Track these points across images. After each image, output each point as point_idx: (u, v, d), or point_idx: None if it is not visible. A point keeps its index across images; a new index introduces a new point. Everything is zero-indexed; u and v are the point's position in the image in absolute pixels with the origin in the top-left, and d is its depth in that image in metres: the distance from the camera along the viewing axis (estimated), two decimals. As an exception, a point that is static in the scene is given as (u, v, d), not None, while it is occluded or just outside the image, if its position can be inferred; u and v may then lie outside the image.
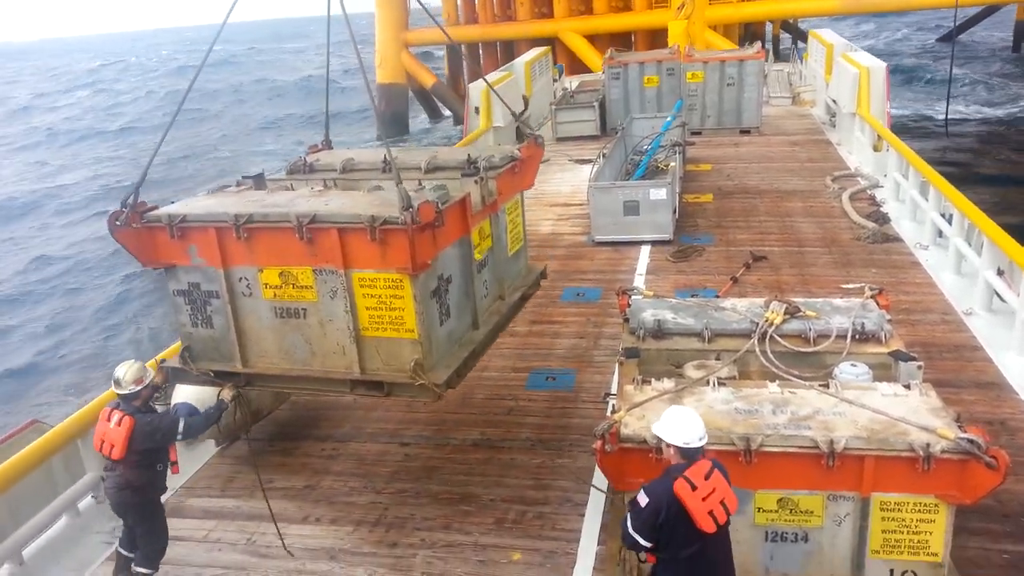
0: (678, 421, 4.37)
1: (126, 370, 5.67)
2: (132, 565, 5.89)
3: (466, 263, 6.34)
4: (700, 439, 4.31)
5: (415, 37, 37.68)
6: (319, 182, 7.01)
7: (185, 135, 45.33)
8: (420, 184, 5.95)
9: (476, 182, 6.43)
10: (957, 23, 55.90)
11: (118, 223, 5.87)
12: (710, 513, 4.16)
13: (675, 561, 4.27)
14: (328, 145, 8.04)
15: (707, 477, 4.21)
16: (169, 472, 5.90)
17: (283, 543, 6.30)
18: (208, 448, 7.97)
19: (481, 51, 38.81)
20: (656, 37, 33.65)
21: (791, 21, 48.62)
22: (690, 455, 4.30)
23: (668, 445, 4.37)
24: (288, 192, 6.32)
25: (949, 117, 28.11)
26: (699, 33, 29.16)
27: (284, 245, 5.69)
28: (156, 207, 6.08)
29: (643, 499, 4.27)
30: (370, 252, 5.48)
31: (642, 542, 4.30)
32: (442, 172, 6.84)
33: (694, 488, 4.16)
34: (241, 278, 5.94)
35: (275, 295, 5.91)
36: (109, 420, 5.58)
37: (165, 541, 5.93)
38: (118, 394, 5.65)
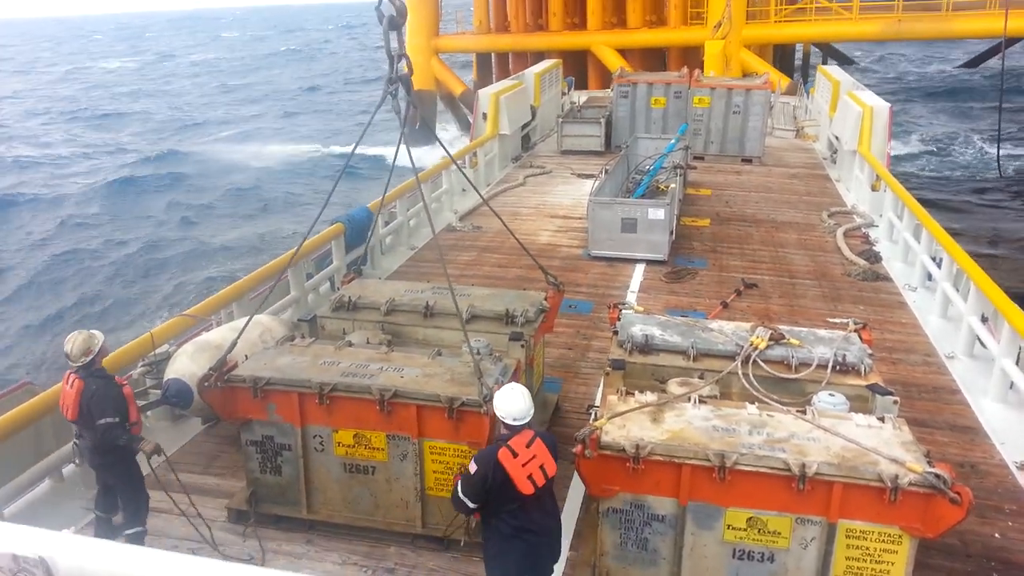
0: (508, 399, 4.96)
1: (72, 344, 5.83)
2: (122, 529, 6.02)
3: None
4: (525, 417, 4.93)
5: (446, 44, 37.73)
6: (368, 326, 7.42)
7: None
8: (477, 353, 6.27)
9: (522, 346, 6.85)
10: (977, 55, 55.98)
11: (207, 384, 6.19)
12: (529, 477, 4.79)
13: (499, 518, 4.91)
14: (359, 273, 8.46)
15: (528, 445, 4.86)
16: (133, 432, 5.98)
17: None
18: (194, 425, 8.06)
19: (511, 61, 38.85)
20: (690, 55, 33.48)
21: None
22: (515, 428, 4.92)
23: (498, 418, 4.99)
24: (355, 352, 6.60)
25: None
26: (735, 53, 29.10)
27: (363, 413, 6.10)
28: (236, 364, 6.38)
29: (473, 467, 4.88)
30: (445, 427, 5.95)
31: (470, 504, 4.93)
32: (481, 323, 7.27)
33: (515, 455, 4.80)
34: (316, 435, 6.31)
35: (347, 453, 6.29)
36: (67, 383, 5.86)
37: (145, 496, 6.09)
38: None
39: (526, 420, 4.95)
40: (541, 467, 4.83)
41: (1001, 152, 30.24)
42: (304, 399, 6.18)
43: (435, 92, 38.00)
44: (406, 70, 6.56)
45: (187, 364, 7.27)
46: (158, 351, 8.04)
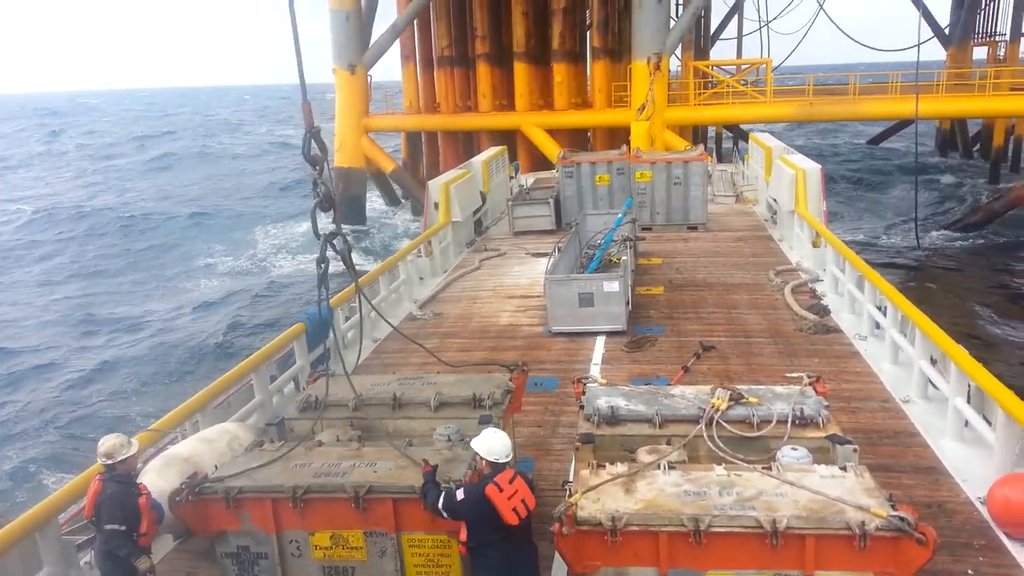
0: (492, 440, 5.62)
1: (102, 443, 6.00)
2: None
3: None
4: (507, 456, 5.60)
5: (376, 123, 38.63)
6: (337, 423, 7.43)
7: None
8: (449, 440, 6.51)
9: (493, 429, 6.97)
10: (880, 132, 60.12)
11: (178, 499, 6.16)
12: (514, 510, 5.36)
13: (485, 546, 5.44)
14: (325, 373, 8.45)
15: (511, 482, 5.43)
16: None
17: None
18: (165, 542, 7.87)
19: (440, 140, 39.93)
20: (613, 135, 34.99)
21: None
22: (497, 468, 5.52)
23: (483, 459, 5.59)
24: (326, 452, 6.64)
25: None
26: (659, 134, 30.70)
27: (338, 512, 6.09)
28: (206, 476, 6.36)
29: (460, 494, 5.45)
30: (422, 518, 5.95)
31: (446, 517, 5.51)
32: (450, 409, 7.38)
33: (501, 490, 5.36)
34: (292, 540, 6.26)
35: (325, 555, 6.25)
36: (94, 481, 6.01)
37: None
38: None
39: (509, 458, 5.57)
40: (523, 501, 5.42)
41: (903, 224, 32.24)
42: (278, 504, 6.13)
43: (364, 171, 38.73)
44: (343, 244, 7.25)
45: (156, 480, 7.15)
46: (124, 469, 7.89)
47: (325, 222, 7.29)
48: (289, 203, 48.82)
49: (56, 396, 21.44)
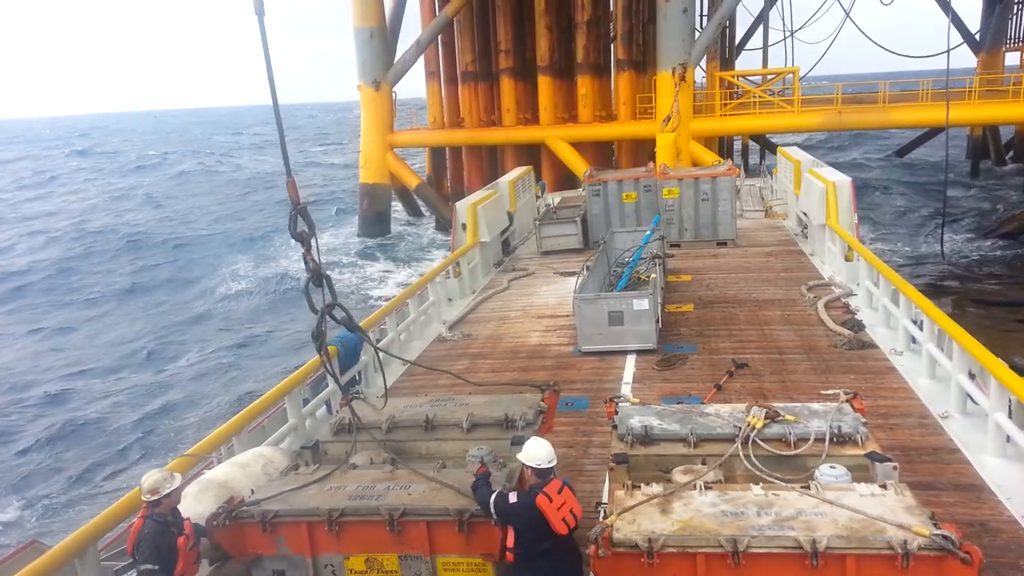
0: (533, 450, 5.75)
1: (146, 479, 6.06)
2: None
3: None
4: (550, 462, 5.72)
5: (401, 139, 39.03)
6: (370, 446, 7.49)
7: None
8: (482, 461, 6.54)
9: None
10: (906, 143, 59.16)
11: (215, 524, 6.27)
12: (563, 520, 5.48)
13: (532, 555, 5.55)
14: (355, 395, 8.51)
15: (559, 492, 5.57)
16: None
17: None
18: (202, 568, 7.92)
19: (465, 155, 40.18)
20: (639, 147, 34.98)
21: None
22: (544, 475, 5.66)
23: (528, 468, 5.72)
24: (360, 475, 6.71)
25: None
26: (684, 145, 30.62)
27: (373, 535, 6.15)
28: (242, 501, 6.47)
29: (512, 498, 5.59)
30: (456, 540, 6.02)
31: (492, 513, 5.64)
32: (482, 431, 7.41)
33: (551, 500, 5.48)
34: (327, 565, 6.32)
35: None
36: (138, 516, 6.07)
37: None
38: None
39: (553, 464, 5.73)
40: (571, 511, 5.53)
41: (931, 234, 31.61)
42: (313, 528, 6.18)
43: (389, 186, 39.06)
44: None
45: (192, 505, 7.23)
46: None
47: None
48: (315, 216, 49.51)
49: (97, 420, 21.84)
